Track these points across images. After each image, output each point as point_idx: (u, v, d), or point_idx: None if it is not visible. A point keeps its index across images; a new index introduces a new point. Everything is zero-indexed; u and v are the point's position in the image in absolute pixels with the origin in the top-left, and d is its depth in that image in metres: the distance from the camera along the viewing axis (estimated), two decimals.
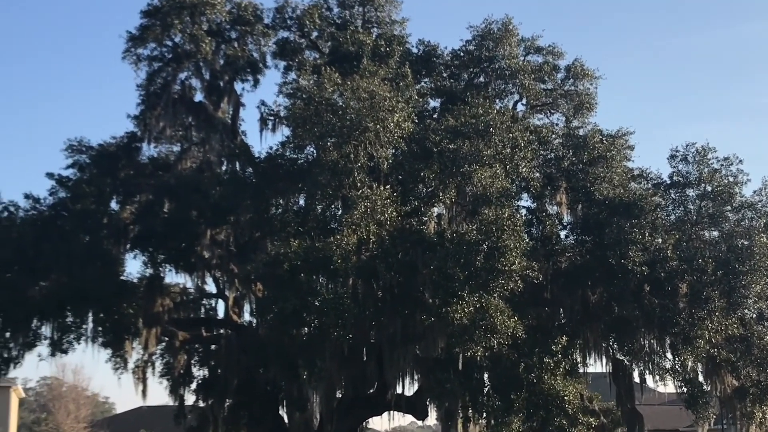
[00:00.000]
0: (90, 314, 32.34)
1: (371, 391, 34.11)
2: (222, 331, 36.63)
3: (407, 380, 32.40)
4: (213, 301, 38.07)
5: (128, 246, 33.77)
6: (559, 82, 36.37)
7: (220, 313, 37.70)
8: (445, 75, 36.40)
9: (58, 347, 32.36)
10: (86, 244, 32.06)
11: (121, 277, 33.24)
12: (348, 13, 35.61)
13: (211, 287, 36.65)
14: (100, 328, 32.54)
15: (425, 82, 36.11)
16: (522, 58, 35.65)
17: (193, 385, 37.11)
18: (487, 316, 26.42)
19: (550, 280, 32.30)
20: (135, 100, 34.22)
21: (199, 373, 37.31)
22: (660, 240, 31.87)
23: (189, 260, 33.92)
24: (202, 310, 38.30)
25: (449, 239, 27.29)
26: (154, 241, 33.77)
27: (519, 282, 27.41)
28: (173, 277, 35.05)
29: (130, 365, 34.98)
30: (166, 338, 34.89)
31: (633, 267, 30.14)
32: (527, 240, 30.40)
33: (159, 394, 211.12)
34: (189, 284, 35.99)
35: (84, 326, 32.48)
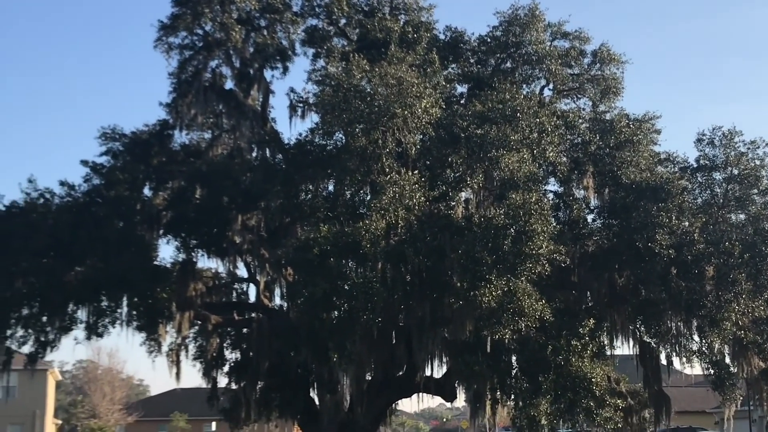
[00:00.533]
0: (125, 299, 32.63)
1: (400, 373, 34.24)
2: (253, 314, 36.81)
3: (436, 363, 32.50)
4: (244, 286, 38.34)
5: (161, 232, 33.99)
6: (586, 66, 36.20)
7: (252, 297, 37.94)
8: (472, 61, 36.28)
9: (93, 331, 32.71)
10: (120, 230, 32.31)
11: (155, 263, 33.48)
12: (375, 1, 35.53)
13: (242, 272, 36.87)
14: (134, 312, 32.84)
15: (452, 68, 36.02)
16: (548, 44, 35.47)
17: (226, 368, 37.45)
18: (515, 299, 26.41)
19: (577, 263, 32.26)
20: (167, 88, 34.39)
21: (231, 356, 37.69)
22: (687, 223, 31.70)
23: (221, 245, 34.04)
24: (234, 294, 38.52)
25: (477, 224, 27.28)
26: (187, 226, 33.96)
27: (546, 265, 27.35)
28: (205, 262, 35.31)
29: (164, 348, 35.31)
30: (199, 322, 35.09)
31: (660, 250, 30.01)
32: (554, 224, 30.29)
33: (192, 376, 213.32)
34: (221, 269, 36.23)
35: (119, 310, 32.80)
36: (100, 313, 32.65)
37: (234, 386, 37.35)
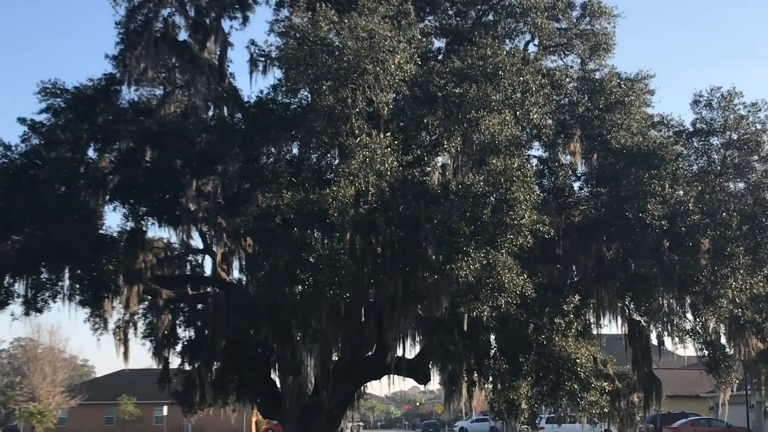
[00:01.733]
0: (66, 271, 32.49)
1: (370, 353, 34.42)
2: (209, 289, 36.86)
3: (408, 342, 32.76)
4: (199, 257, 38.34)
5: (107, 197, 33.80)
6: (575, 20, 36.18)
7: (207, 270, 37.95)
8: (450, 13, 36.20)
9: (32, 306, 32.56)
10: (62, 196, 32.10)
11: (100, 231, 33.35)
12: None
13: (197, 242, 36.84)
14: (77, 286, 32.68)
15: (429, 21, 35.94)
16: None
17: (178, 347, 37.54)
18: (495, 273, 26.56)
19: (562, 235, 32.43)
20: (114, 39, 34.11)
21: (184, 334, 37.78)
22: (681, 192, 31.97)
23: (173, 213, 33.94)
24: (188, 266, 38.53)
25: (454, 191, 27.37)
26: (136, 192, 33.82)
27: (529, 237, 27.46)
28: (156, 231, 35.27)
29: (111, 326, 35.32)
30: (149, 297, 35.08)
31: (652, 221, 30.21)
32: (538, 192, 30.50)
33: (141, 356, 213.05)
34: (173, 239, 36.24)
35: (60, 283, 32.66)
36: (39, 287, 32.52)
37: (187, 367, 37.45)
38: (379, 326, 31.32)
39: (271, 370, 36.23)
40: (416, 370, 35.37)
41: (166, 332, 36.25)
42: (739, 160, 34.04)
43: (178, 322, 37.31)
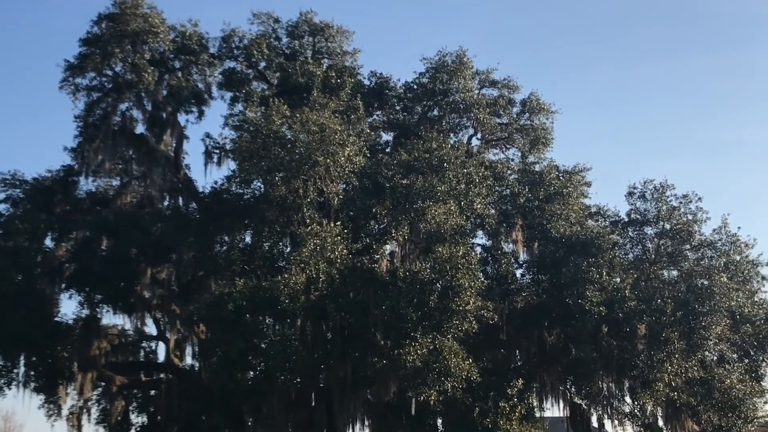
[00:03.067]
0: (22, 357, 31.78)
1: None
2: (162, 375, 36.11)
3: (357, 426, 32.12)
4: (153, 344, 37.63)
5: (63, 285, 33.24)
6: (515, 116, 36.74)
7: (161, 357, 37.24)
8: (398, 108, 36.54)
9: None
10: (18, 284, 31.50)
11: (56, 319, 32.66)
12: (297, 44, 35.61)
13: (151, 329, 36.22)
14: (32, 373, 32.01)
15: (377, 115, 36.24)
16: (477, 92, 35.96)
17: None
18: (441, 358, 26.31)
19: (505, 320, 32.34)
20: (72, 132, 33.84)
21: (137, 420, 36.91)
22: (618, 279, 32.07)
23: (128, 300, 33.40)
24: (142, 353, 37.82)
25: (402, 278, 27.21)
26: (91, 280, 33.22)
27: (474, 323, 27.34)
28: (111, 319, 34.62)
29: (65, 412, 34.41)
30: (103, 383, 34.37)
31: (590, 307, 30.25)
32: (482, 279, 30.41)
33: None
34: (128, 326, 35.54)
35: (15, 370, 31.88)
36: None
37: None
38: (329, 411, 30.74)
39: None
40: None
41: (119, 418, 35.45)
42: (672, 248, 34.32)
43: (131, 408, 36.53)
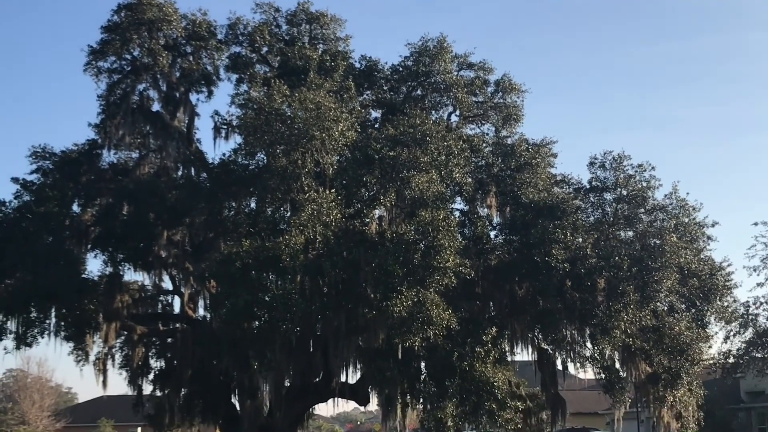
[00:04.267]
0: (53, 310, 31.80)
1: (317, 379, 34.04)
2: (177, 325, 36.27)
3: (350, 369, 32.35)
4: (169, 298, 37.81)
5: (89, 246, 33.28)
6: (489, 95, 36.65)
7: (176, 309, 37.41)
8: (385, 88, 36.45)
9: (22, 341, 31.77)
10: (49, 245, 31.51)
11: (83, 276, 32.68)
12: (296, 31, 35.53)
13: (167, 284, 36.35)
14: (62, 323, 32.04)
15: (367, 95, 36.15)
16: (455, 73, 35.83)
17: (151, 376, 36.94)
18: (424, 309, 26.48)
19: (481, 276, 32.46)
20: (96, 109, 33.78)
21: (156, 364, 37.17)
22: (580, 239, 32.21)
23: (147, 259, 33.53)
24: (159, 305, 37.97)
25: (389, 239, 27.32)
26: (114, 241, 33.30)
27: (453, 278, 27.49)
28: (132, 275, 34.70)
29: (91, 357, 34.53)
30: (125, 332, 34.56)
31: (556, 264, 30.41)
32: (460, 239, 30.55)
33: (118, 384, 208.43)
34: (147, 282, 35.63)
35: (47, 321, 31.91)
36: (29, 324, 31.72)
37: (158, 393, 36.77)
38: (325, 356, 30.98)
39: (232, 395, 35.69)
40: (357, 394, 35.03)
41: (140, 363, 35.66)
42: (629, 212, 34.37)
43: (150, 354, 36.71)
